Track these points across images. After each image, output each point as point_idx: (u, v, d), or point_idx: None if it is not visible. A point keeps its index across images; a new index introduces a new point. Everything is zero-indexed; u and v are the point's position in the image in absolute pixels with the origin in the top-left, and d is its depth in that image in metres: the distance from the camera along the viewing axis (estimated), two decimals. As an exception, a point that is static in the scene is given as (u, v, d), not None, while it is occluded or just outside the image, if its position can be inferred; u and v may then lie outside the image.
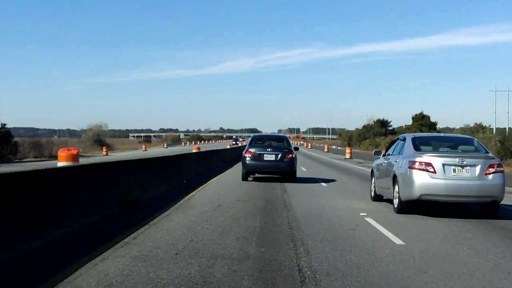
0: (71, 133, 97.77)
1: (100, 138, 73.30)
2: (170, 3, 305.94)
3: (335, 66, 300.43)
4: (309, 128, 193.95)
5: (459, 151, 11.10)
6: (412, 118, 69.40)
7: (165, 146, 77.78)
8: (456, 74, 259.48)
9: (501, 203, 10.88)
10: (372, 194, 13.60)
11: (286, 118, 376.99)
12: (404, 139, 12.01)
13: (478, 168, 10.39)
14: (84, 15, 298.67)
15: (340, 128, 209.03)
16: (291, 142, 19.64)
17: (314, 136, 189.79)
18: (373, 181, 13.72)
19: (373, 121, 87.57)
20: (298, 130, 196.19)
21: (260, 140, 19.52)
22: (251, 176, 18.88)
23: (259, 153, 18.01)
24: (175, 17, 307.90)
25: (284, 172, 18.32)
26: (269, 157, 17.98)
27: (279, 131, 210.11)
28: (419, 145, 11.32)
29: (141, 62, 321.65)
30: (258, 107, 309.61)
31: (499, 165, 10.61)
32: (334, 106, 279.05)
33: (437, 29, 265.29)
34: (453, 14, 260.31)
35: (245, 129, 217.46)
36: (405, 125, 70.39)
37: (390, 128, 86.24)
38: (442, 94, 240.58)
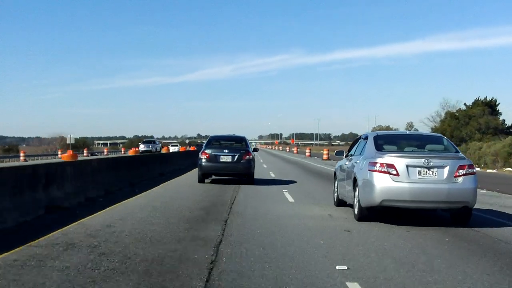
0: (40, 141, 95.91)
1: None
2: (147, 11, 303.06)
3: (314, 72, 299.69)
4: (293, 133, 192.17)
5: (426, 150, 9.87)
6: None
7: None
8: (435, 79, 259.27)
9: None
10: (335, 198, 12.34)
11: (268, 123, 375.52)
12: (366, 138, 10.73)
13: (446, 170, 9.17)
14: (61, 23, 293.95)
15: (324, 134, 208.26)
16: (249, 143, 19.19)
17: (299, 142, 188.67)
18: (335, 184, 12.46)
19: (467, 105, 49.94)
20: (280, 136, 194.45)
21: (218, 141, 18.77)
22: (208, 178, 18.45)
23: (215, 154, 17.44)
24: (153, 25, 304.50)
25: (241, 174, 17.88)
26: (225, 158, 17.41)
27: (260, 137, 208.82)
28: (381, 145, 10.07)
29: (119, 70, 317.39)
30: (238, 113, 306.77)
31: (470, 166, 9.39)
32: (317, 111, 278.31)
33: (416, 35, 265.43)
34: (432, 20, 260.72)
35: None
36: None
37: (501, 118, 48.51)
38: (425, 99, 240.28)
